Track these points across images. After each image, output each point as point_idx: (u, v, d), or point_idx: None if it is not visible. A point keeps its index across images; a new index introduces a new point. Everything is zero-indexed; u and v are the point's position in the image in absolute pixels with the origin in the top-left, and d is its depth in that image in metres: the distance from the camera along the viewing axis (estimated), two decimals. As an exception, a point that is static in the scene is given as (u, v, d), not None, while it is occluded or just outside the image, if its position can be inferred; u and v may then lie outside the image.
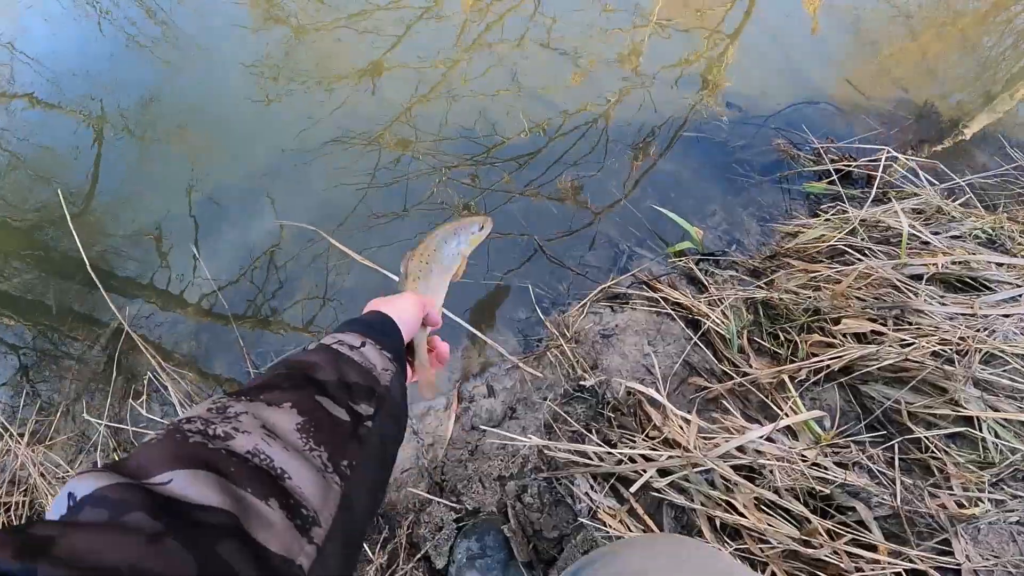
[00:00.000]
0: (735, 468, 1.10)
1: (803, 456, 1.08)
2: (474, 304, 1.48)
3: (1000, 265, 1.33)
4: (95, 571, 0.26)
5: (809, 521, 1.05)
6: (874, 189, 1.47)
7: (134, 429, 1.43)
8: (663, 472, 1.14)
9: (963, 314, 1.25)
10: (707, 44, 2.05)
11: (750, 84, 1.87)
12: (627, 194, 1.63)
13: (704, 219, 1.54)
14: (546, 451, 1.19)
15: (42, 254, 1.84)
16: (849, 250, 1.37)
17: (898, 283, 1.27)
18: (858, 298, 1.28)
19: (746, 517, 1.07)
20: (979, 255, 1.38)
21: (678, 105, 1.85)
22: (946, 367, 1.16)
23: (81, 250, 1.20)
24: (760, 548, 1.07)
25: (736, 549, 1.08)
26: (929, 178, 1.49)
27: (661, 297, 1.36)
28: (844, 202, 1.48)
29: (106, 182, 1.98)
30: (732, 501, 1.09)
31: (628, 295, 1.39)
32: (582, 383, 1.24)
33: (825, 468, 1.08)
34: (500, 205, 1.66)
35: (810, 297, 1.29)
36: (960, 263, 1.34)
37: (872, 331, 1.24)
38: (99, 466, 0.34)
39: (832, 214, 1.47)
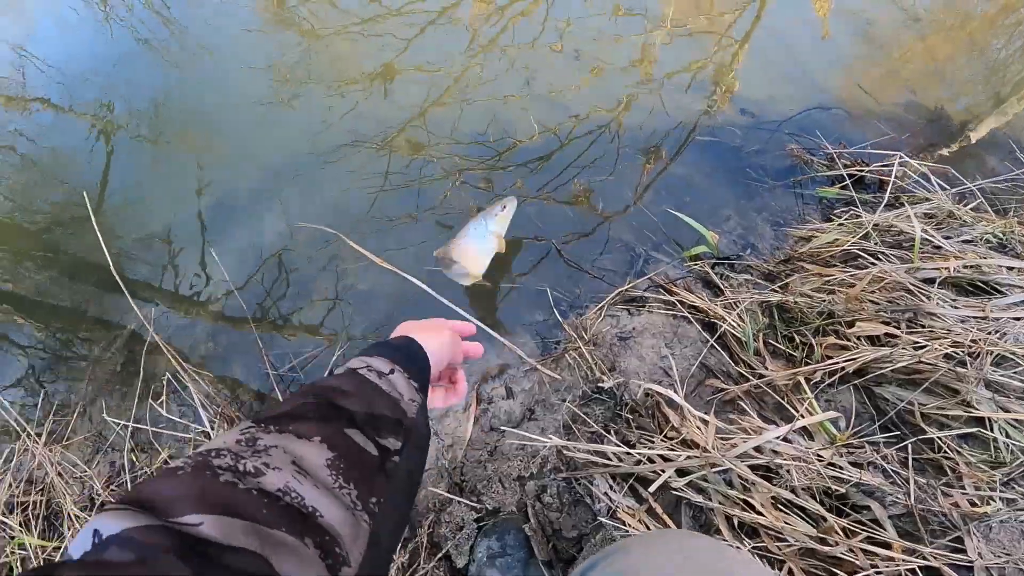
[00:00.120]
0: (752, 468, 1.16)
1: (819, 456, 1.14)
2: (492, 307, 1.54)
3: (1011, 269, 1.39)
4: None
5: (825, 519, 1.11)
6: (887, 194, 1.53)
7: (153, 429, 1.48)
8: (681, 472, 1.19)
9: (975, 317, 1.31)
10: (718, 49, 2.11)
11: (762, 89, 1.93)
12: (637, 198, 1.69)
13: (719, 223, 1.60)
14: (565, 452, 1.25)
15: (54, 255, 1.89)
16: (862, 254, 1.43)
17: (911, 287, 1.33)
18: (872, 301, 1.34)
19: (764, 516, 1.13)
20: (990, 259, 1.44)
21: (690, 110, 1.92)
22: (958, 369, 1.21)
23: (107, 254, 1.25)
24: (777, 546, 1.12)
25: (754, 547, 1.13)
26: (940, 183, 1.56)
27: (677, 300, 1.41)
28: (857, 207, 1.54)
29: (117, 184, 2.03)
30: (750, 500, 1.14)
31: (645, 298, 1.45)
32: (600, 385, 1.29)
33: (840, 468, 1.13)
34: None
35: (824, 301, 1.35)
36: (972, 267, 1.40)
37: (886, 334, 1.29)
38: (122, 498, 0.34)
39: (846, 219, 1.53)
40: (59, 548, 1.52)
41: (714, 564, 0.61)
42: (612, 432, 1.25)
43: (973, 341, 1.24)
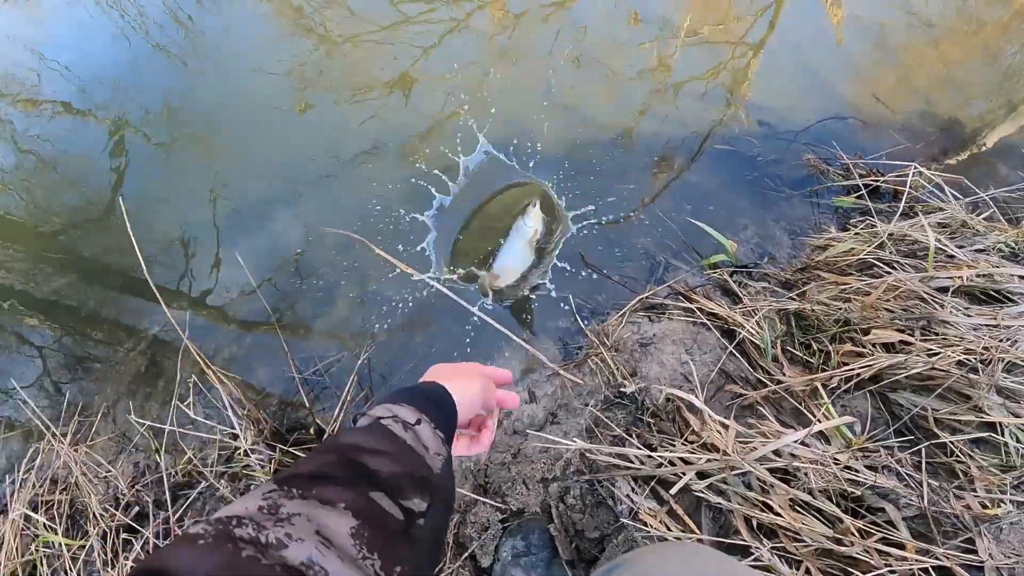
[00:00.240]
0: (771, 471, 1.24)
1: (835, 459, 1.22)
2: (516, 313, 1.63)
3: (1022, 278, 1.48)
4: None
5: (841, 521, 1.18)
6: (902, 203, 1.62)
7: (180, 430, 1.56)
8: (702, 475, 1.27)
9: (987, 325, 1.39)
10: (734, 58, 2.20)
11: (779, 99, 2.02)
12: (645, 203, 1.77)
13: (737, 232, 1.69)
14: (588, 455, 1.33)
15: (75, 259, 1.97)
16: (878, 263, 1.51)
17: (925, 295, 1.41)
18: (887, 309, 1.42)
19: (782, 517, 1.21)
20: (1003, 268, 1.52)
21: (706, 119, 2.01)
22: (970, 376, 1.29)
23: (142, 262, 1.33)
24: (795, 546, 1.20)
25: (772, 547, 1.21)
26: (954, 192, 1.64)
27: (697, 308, 1.50)
28: (872, 216, 1.63)
29: (133, 187, 2.12)
30: (768, 502, 1.22)
31: (665, 305, 1.53)
32: (622, 390, 1.38)
33: (856, 471, 1.21)
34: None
35: (841, 308, 1.43)
36: (984, 276, 1.48)
37: (900, 341, 1.38)
38: (142, 567, 0.35)
39: (861, 228, 1.62)
40: (83, 547, 1.60)
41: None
42: (634, 436, 1.33)
43: (985, 348, 1.32)
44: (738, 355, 1.43)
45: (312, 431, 1.50)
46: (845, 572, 1.15)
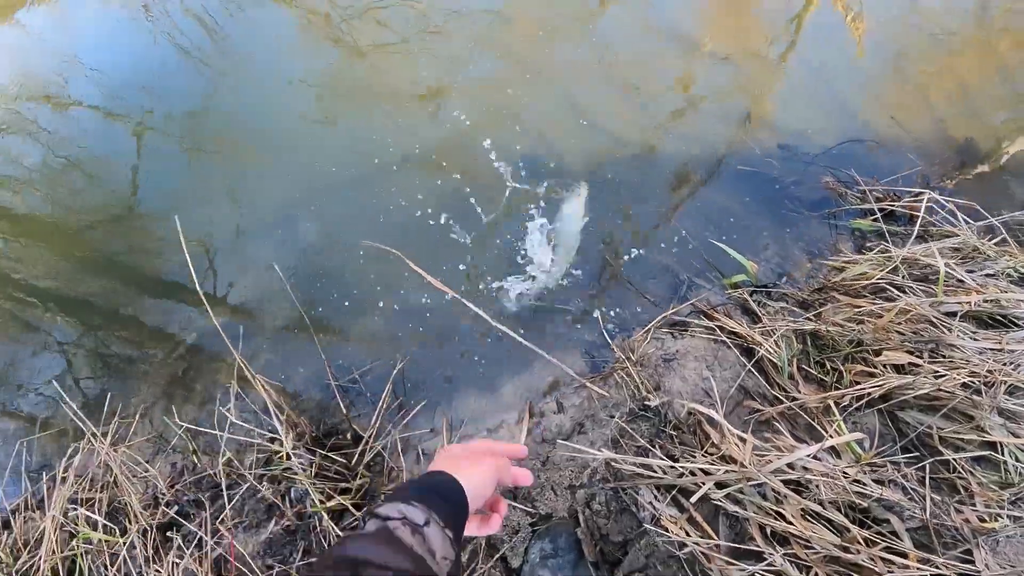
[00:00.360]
0: (784, 482, 1.40)
1: (845, 473, 1.38)
2: (545, 327, 1.79)
3: (1029, 304, 1.64)
4: None
5: (849, 530, 1.35)
6: (916, 228, 1.78)
7: (219, 433, 1.72)
8: (720, 485, 1.43)
9: (992, 349, 1.55)
10: (756, 79, 2.36)
11: (798, 120, 2.18)
12: (669, 222, 1.93)
13: (758, 252, 1.85)
14: (613, 464, 1.49)
15: (102, 260, 2.13)
16: (890, 287, 1.67)
17: (934, 319, 1.58)
18: (898, 332, 1.58)
19: (794, 525, 1.37)
20: (1010, 293, 1.69)
21: (728, 140, 2.17)
22: (974, 397, 1.46)
23: (193, 274, 1.48)
24: (806, 553, 1.37)
25: (785, 554, 1.38)
26: (966, 218, 1.80)
27: (718, 326, 1.66)
28: (887, 240, 1.79)
29: (156, 188, 2.27)
30: (781, 511, 1.39)
31: (688, 323, 1.70)
32: (647, 403, 1.54)
33: (864, 484, 1.38)
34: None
35: (854, 330, 1.60)
36: (991, 301, 1.64)
37: (910, 363, 1.54)
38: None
39: (876, 252, 1.78)
40: (123, 543, 1.75)
41: None
42: (657, 447, 1.50)
43: (989, 371, 1.49)
44: (756, 372, 1.60)
45: (349, 436, 1.67)
46: (851, 578, 1.31)
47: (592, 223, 1.98)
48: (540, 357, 1.65)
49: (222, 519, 1.65)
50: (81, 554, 1.75)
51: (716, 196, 2.01)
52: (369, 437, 1.61)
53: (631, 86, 2.33)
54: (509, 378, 1.69)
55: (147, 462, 1.84)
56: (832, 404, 1.50)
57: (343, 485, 1.56)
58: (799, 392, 1.55)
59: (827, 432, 1.46)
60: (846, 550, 1.34)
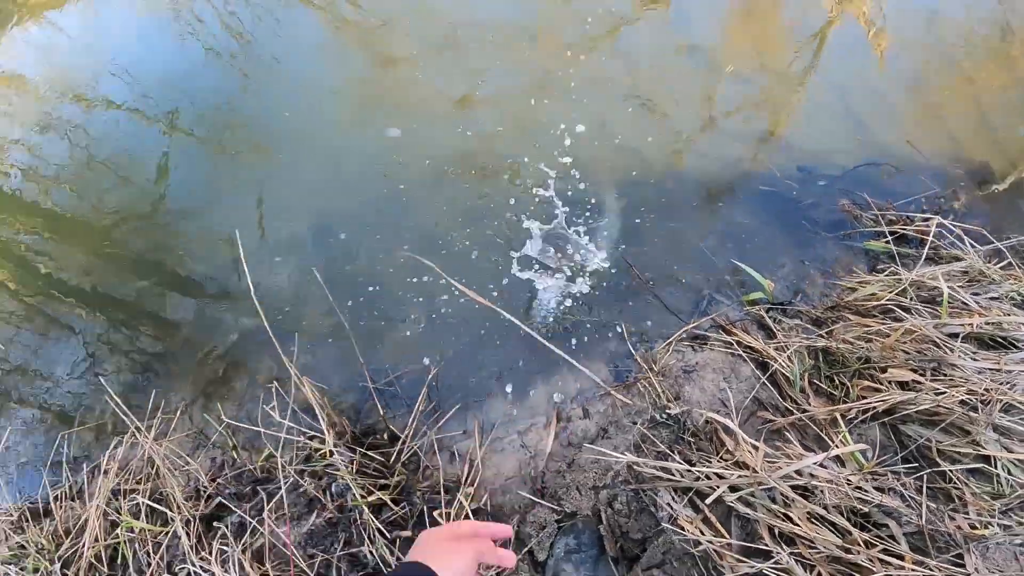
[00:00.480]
0: (792, 487, 1.61)
1: (848, 480, 1.60)
2: (572, 337, 2.00)
3: (1028, 327, 1.85)
4: None
5: (850, 533, 1.56)
6: (924, 251, 1.99)
7: (262, 430, 1.93)
8: (733, 488, 1.65)
9: (990, 369, 1.77)
10: (777, 100, 2.56)
11: (818, 142, 2.39)
12: (689, 238, 2.14)
13: (775, 270, 2.07)
14: (635, 467, 1.71)
15: (155, 264, 2.34)
16: (897, 309, 1.88)
17: (937, 340, 1.79)
18: (903, 351, 1.80)
19: (799, 527, 1.58)
20: (1012, 316, 1.90)
21: (750, 160, 2.38)
22: (971, 413, 1.67)
23: (249, 281, 1.69)
24: (810, 553, 1.58)
25: (791, 553, 1.59)
26: (973, 243, 2.01)
27: (735, 341, 1.88)
28: (897, 262, 2.00)
29: (185, 188, 2.48)
30: (789, 514, 1.60)
31: (707, 337, 1.91)
32: (667, 411, 1.76)
33: (865, 491, 1.59)
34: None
35: (863, 348, 1.81)
36: (993, 324, 1.86)
37: (913, 380, 1.76)
38: None
39: (886, 274, 1.99)
40: (165, 533, 1.96)
41: None
42: (676, 452, 1.71)
43: (986, 390, 1.70)
44: (770, 385, 1.81)
45: (385, 436, 1.88)
46: (851, 576, 1.53)
47: (618, 237, 2.19)
48: (567, 365, 1.87)
49: (272, 508, 1.85)
50: (124, 542, 1.96)
51: (738, 215, 2.22)
52: (406, 437, 1.83)
53: (654, 103, 2.54)
54: (538, 384, 1.91)
55: (188, 456, 2.06)
56: (839, 416, 1.72)
57: (382, 481, 1.78)
58: (809, 405, 1.77)
59: (833, 442, 1.68)
60: (847, 551, 1.54)
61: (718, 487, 1.63)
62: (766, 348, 1.83)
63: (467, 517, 1.70)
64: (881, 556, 1.53)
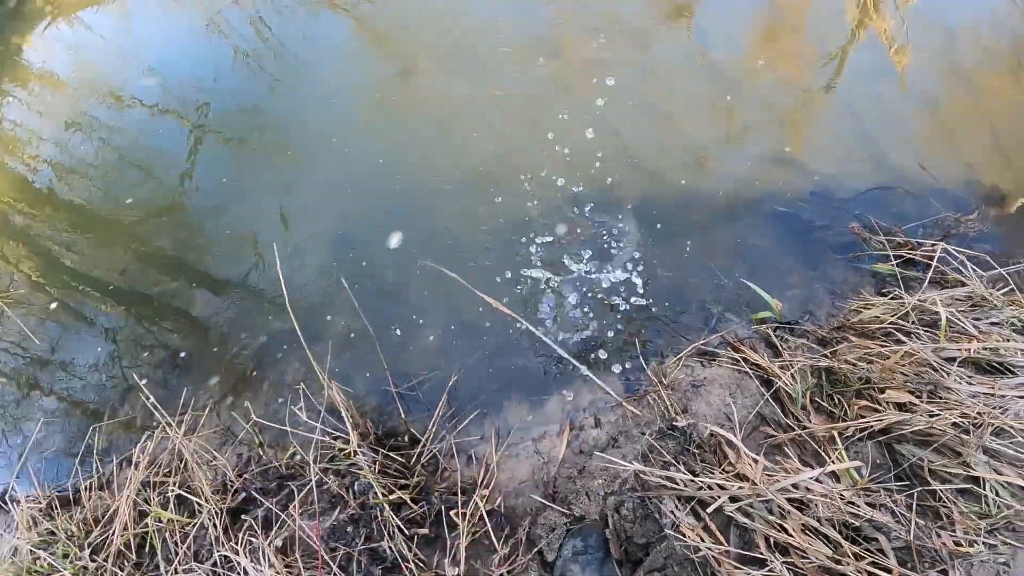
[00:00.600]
0: (789, 500, 1.80)
1: (842, 495, 1.78)
2: (587, 350, 2.20)
3: (1025, 353, 2.02)
4: None
5: (841, 545, 1.74)
6: (928, 276, 2.17)
7: (289, 429, 2.14)
8: (733, 499, 1.84)
9: (984, 393, 1.95)
10: (794, 120, 2.73)
11: (832, 164, 2.56)
12: (702, 257, 2.32)
13: (785, 290, 2.25)
14: (641, 475, 1.91)
15: (193, 265, 2.56)
16: (899, 332, 2.06)
17: (935, 364, 1.97)
18: (902, 373, 1.98)
19: (794, 538, 1.77)
20: (1011, 342, 2.07)
21: (765, 181, 2.55)
22: (963, 436, 1.85)
23: (284, 288, 1.90)
24: (802, 562, 1.77)
25: (784, 562, 1.78)
26: (975, 268, 2.18)
27: (742, 358, 2.07)
28: (900, 287, 2.18)
29: (210, 187, 2.69)
30: (784, 525, 1.79)
31: (716, 353, 2.10)
32: (675, 423, 1.96)
33: (858, 506, 1.77)
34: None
35: (864, 368, 2.00)
36: (990, 349, 2.04)
37: (909, 401, 1.94)
38: None
39: (890, 298, 2.17)
40: (193, 524, 2.17)
41: None
42: (681, 463, 1.91)
43: (979, 413, 1.87)
44: (773, 402, 2.00)
45: (406, 438, 2.10)
46: (841, 584, 1.72)
47: (631, 253, 2.38)
48: (582, 376, 2.07)
49: (300, 502, 2.05)
50: (153, 531, 2.18)
51: (750, 234, 2.40)
52: (426, 440, 2.04)
53: (672, 121, 2.72)
54: (553, 393, 2.12)
55: (215, 451, 2.27)
56: (837, 434, 1.91)
57: (402, 481, 1.99)
58: (810, 422, 1.96)
59: (830, 458, 1.87)
60: (838, 562, 1.71)
61: (719, 497, 1.82)
62: (771, 366, 2.02)
63: (482, 518, 1.90)
64: (869, 568, 1.70)
